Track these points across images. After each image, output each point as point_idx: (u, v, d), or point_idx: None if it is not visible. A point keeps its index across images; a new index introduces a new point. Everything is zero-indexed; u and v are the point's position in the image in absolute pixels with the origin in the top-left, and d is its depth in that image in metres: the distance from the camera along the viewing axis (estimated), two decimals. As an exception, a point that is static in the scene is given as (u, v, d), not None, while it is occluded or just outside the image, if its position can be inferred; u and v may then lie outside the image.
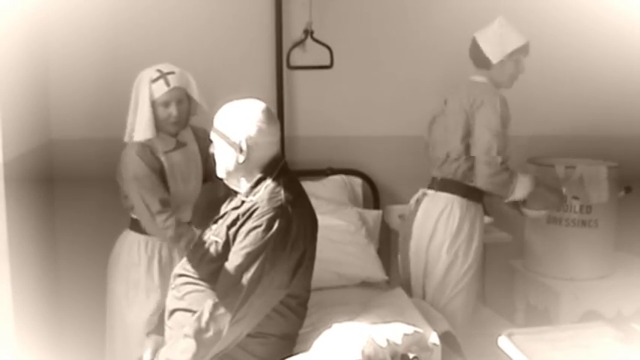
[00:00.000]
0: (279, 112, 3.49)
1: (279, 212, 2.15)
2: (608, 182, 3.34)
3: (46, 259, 3.12)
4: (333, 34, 3.45)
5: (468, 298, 2.95)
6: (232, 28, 3.43)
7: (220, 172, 2.32)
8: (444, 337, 2.48)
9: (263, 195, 2.20)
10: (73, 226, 3.29)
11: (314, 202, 3.32)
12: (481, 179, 2.87)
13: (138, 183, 2.63)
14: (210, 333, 2.07)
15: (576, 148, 3.73)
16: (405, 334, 2.23)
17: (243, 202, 2.25)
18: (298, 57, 3.44)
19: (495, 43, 2.95)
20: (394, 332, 2.23)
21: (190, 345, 2.06)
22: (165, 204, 2.64)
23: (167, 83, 2.66)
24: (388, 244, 3.66)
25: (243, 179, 2.29)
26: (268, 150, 2.27)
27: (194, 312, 2.17)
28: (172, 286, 2.31)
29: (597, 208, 3.38)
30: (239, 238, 2.16)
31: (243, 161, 2.24)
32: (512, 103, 3.69)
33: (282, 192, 2.20)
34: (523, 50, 2.97)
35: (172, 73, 2.69)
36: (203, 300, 2.17)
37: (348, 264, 3.07)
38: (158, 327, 2.40)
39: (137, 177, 2.64)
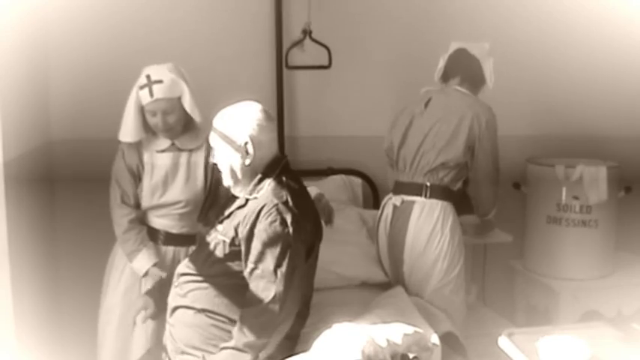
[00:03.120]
0: (278, 112, 3.49)
1: (287, 206, 2.17)
2: (608, 182, 3.34)
3: (46, 259, 3.12)
4: (332, 34, 3.45)
5: (461, 296, 2.95)
6: (231, 28, 3.43)
7: (227, 181, 2.30)
8: (446, 337, 2.48)
9: (267, 192, 2.20)
10: (73, 226, 3.29)
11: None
12: (488, 203, 3.03)
13: (114, 175, 2.73)
14: (258, 339, 2.11)
15: (576, 148, 3.73)
16: (405, 334, 2.23)
17: (247, 200, 2.25)
18: (297, 57, 3.43)
19: (490, 71, 3.00)
20: (394, 332, 2.23)
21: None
22: (125, 201, 2.70)
23: (151, 93, 2.60)
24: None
25: (247, 181, 2.28)
26: (270, 148, 2.28)
27: (196, 309, 2.19)
28: (175, 284, 2.32)
29: (597, 208, 3.38)
30: (256, 240, 2.15)
31: (250, 163, 2.24)
32: (512, 103, 3.72)
33: (285, 188, 2.22)
34: None
35: (160, 82, 2.60)
36: (206, 297, 2.19)
37: (349, 264, 3.07)
38: (152, 290, 2.46)
39: (115, 170, 2.73)
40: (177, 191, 2.73)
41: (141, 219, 2.74)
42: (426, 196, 2.93)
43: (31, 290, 2.84)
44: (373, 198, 3.62)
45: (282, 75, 3.46)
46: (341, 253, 3.08)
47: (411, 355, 2.21)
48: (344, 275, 3.04)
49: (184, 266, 2.33)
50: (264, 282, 2.12)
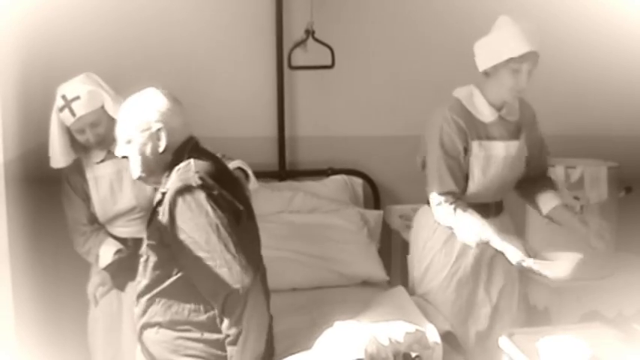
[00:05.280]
0: (279, 113, 3.49)
1: (197, 187, 2.06)
2: (608, 182, 3.34)
3: (47, 259, 3.12)
4: (335, 34, 3.45)
5: (450, 302, 2.80)
6: (233, 28, 3.43)
7: (138, 172, 2.20)
8: (446, 337, 2.48)
9: (175, 180, 2.10)
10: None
11: (315, 201, 3.37)
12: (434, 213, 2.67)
13: (63, 201, 2.74)
14: (242, 325, 2.03)
15: (576, 148, 3.73)
16: (407, 333, 2.23)
17: (163, 194, 2.13)
18: (299, 57, 3.43)
19: (487, 49, 2.64)
20: (396, 330, 2.24)
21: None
22: (77, 223, 2.71)
23: (72, 113, 2.54)
24: (389, 244, 3.66)
25: (160, 170, 2.18)
26: (183, 133, 2.19)
27: (157, 325, 2.15)
28: (135, 304, 2.26)
29: (597, 208, 3.37)
30: (183, 234, 2.05)
31: (164, 149, 2.14)
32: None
33: (192, 165, 2.11)
34: (523, 60, 2.56)
35: (77, 98, 2.53)
36: (162, 310, 2.14)
37: (350, 263, 3.08)
38: (111, 265, 2.49)
39: (62, 196, 2.73)
40: (127, 197, 2.69)
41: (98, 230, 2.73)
42: (427, 203, 2.82)
43: (31, 290, 2.84)
44: (374, 198, 3.62)
45: (282, 75, 3.46)
46: (342, 252, 3.09)
47: (413, 354, 2.21)
48: (345, 274, 3.05)
49: (136, 283, 2.26)
50: (219, 269, 2.02)
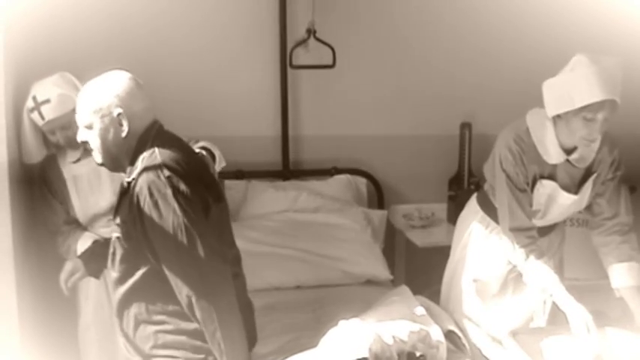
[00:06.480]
0: (283, 112, 3.50)
1: (164, 179, 2.00)
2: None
3: (51, 259, 3.12)
4: (336, 33, 3.45)
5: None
6: (236, 28, 3.44)
7: (100, 158, 2.14)
8: (449, 336, 2.48)
9: (140, 167, 2.04)
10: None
11: (319, 201, 3.38)
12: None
13: (43, 207, 2.68)
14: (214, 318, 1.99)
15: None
16: (411, 332, 2.24)
17: (129, 184, 2.08)
18: (301, 56, 3.44)
19: (557, 93, 2.36)
20: (400, 329, 2.24)
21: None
22: (55, 225, 2.67)
23: (41, 116, 2.50)
24: (393, 243, 3.66)
25: (124, 157, 2.12)
26: (145, 118, 2.12)
27: (135, 322, 2.13)
28: (113, 292, 2.23)
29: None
30: (152, 232, 2.01)
31: (127, 134, 2.07)
32: (511, 102, 3.70)
33: (157, 155, 2.04)
34: (599, 109, 2.31)
35: (47, 102, 2.48)
36: (138, 307, 2.11)
37: (354, 262, 3.09)
38: (84, 254, 2.49)
39: (42, 202, 2.68)
40: (107, 195, 2.64)
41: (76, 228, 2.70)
42: None
43: (35, 290, 2.84)
44: (378, 197, 3.63)
45: (286, 74, 3.47)
46: (346, 250, 3.11)
47: (417, 353, 2.21)
48: (349, 273, 3.07)
49: (111, 288, 2.24)
50: (186, 268, 2.00)
